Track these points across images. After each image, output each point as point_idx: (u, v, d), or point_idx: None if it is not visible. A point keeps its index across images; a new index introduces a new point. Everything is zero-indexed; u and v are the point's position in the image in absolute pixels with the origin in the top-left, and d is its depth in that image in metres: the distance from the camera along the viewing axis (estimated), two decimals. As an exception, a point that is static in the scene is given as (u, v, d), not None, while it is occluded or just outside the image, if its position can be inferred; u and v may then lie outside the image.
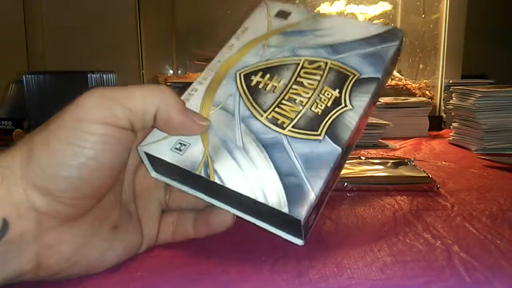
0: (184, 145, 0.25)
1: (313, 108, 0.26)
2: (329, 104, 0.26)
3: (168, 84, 0.85)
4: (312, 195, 0.23)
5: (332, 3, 1.09)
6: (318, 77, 0.27)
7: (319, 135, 0.25)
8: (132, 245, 0.25)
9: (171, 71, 1.22)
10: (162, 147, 0.25)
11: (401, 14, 1.09)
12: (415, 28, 1.06)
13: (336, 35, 0.30)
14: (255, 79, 0.28)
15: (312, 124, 0.25)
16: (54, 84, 0.66)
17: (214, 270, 0.24)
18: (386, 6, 1.07)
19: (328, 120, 0.26)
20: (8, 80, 0.80)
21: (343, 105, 0.26)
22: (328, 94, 0.27)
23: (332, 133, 0.25)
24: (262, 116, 0.26)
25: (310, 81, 0.27)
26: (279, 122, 0.26)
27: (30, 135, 0.21)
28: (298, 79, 0.28)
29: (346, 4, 1.08)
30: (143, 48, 1.03)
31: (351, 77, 0.27)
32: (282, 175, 0.23)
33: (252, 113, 0.26)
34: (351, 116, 0.26)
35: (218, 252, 0.27)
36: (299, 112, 0.26)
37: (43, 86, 0.65)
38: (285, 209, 0.22)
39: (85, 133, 0.20)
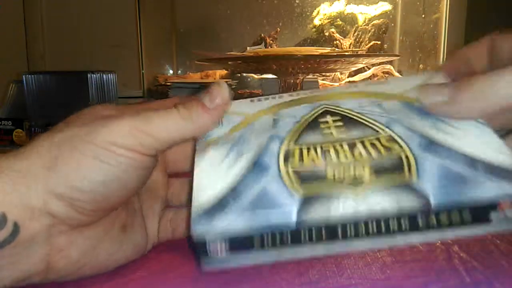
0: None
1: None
2: None
3: (168, 83, 0.85)
4: None
5: (332, 3, 1.09)
6: (372, 155, 0.22)
7: None
8: (139, 244, 0.25)
9: (171, 71, 1.22)
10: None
11: (401, 14, 1.10)
12: (415, 28, 1.06)
13: (456, 139, 0.21)
14: (326, 119, 0.25)
15: None
16: (54, 84, 0.66)
17: (214, 270, 0.24)
18: (386, 6, 1.07)
19: None
20: (8, 80, 0.80)
21: None
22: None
23: None
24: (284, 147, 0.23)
25: (361, 152, 0.22)
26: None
27: (51, 139, 0.21)
28: (358, 145, 0.22)
29: (346, 4, 1.08)
30: (143, 48, 1.03)
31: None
32: None
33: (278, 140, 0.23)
34: None
35: (218, 252, 0.27)
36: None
37: (43, 86, 0.65)
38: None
39: (115, 154, 0.21)
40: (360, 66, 0.81)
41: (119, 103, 0.73)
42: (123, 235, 0.24)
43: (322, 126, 0.24)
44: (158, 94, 1.01)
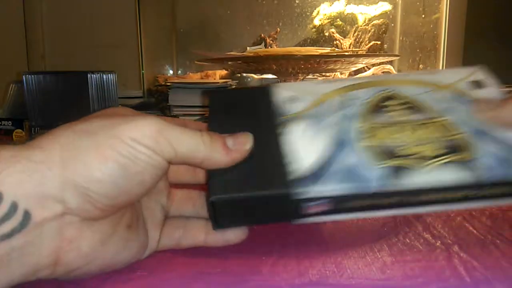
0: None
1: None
2: None
3: (168, 84, 0.85)
4: None
5: (332, 3, 1.09)
6: (435, 135, 0.26)
7: None
8: (142, 245, 0.25)
9: (171, 71, 1.22)
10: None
11: (401, 14, 1.10)
12: (415, 28, 1.06)
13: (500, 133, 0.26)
14: (389, 103, 0.28)
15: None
16: (54, 84, 0.66)
17: (214, 270, 0.24)
18: (386, 6, 1.07)
19: None
20: (8, 80, 0.80)
21: None
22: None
23: None
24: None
25: (425, 132, 0.26)
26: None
27: (72, 131, 0.22)
28: (421, 126, 0.27)
29: (346, 4, 1.08)
30: (143, 48, 1.03)
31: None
32: None
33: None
34: None
35: (218, 252, 0.27)
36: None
37: (43, 86, 0.65)
38: None
39: (137, 151, 0.21)
40: (360, 66, 0.81)
41: (119, 103, 0.73)
42: (129, 234, 0.24)
43: (385, 109, 0.28)
44: (158, 94, 1.01)
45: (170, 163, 0.23)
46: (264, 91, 0.31)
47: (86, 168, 0.20)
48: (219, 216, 0.25)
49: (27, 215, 0.19)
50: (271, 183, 0.24)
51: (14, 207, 0.19)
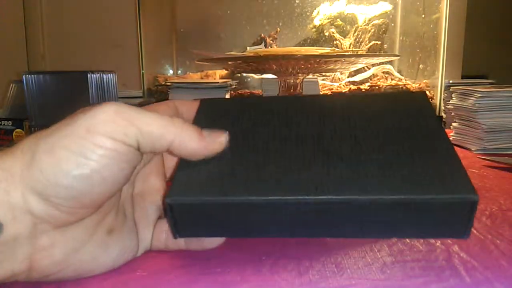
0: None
1: None
2: None
3: (168, 83, 0.85)
4: None
5: (332, 3, 1.09)
6: None
7: None
8: (127, 248, 0.25)
9: (171, 71, 1.22)
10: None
11: (401, 14, 1.09)
12: (415, 28, 1.06)
13: None
14: None
15: None
16: (54, 84, 0.66)
17: (214, 270, 0.24)
18: (386, 6, 1.07)
19: None
20: (8, 80, 0.80)
21: None
22: None
23: None
24: None
25: None
26: None
27: (35, 138, 0.21)
28: None
29: (346, 4, 1.08)
30: (143, 48, 1.03)
31: None
32: None
33: None
34: None
35: (218, 252, 0.27)
36: None
37: (43, 86, 0.65)
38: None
39: (93, 145, 0.20)
40: (360, 66, 0.81)
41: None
42: (109, 239, 0.24)
43: None
44: (158, 94, 1.01)
45: (139, 150, 0.22)
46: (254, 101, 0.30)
47: (42, 173, 0.20)
48: (178, 222, 0.23)
49: (0, 226, 0.20)
50: (240, 188, 0.22)
51: None
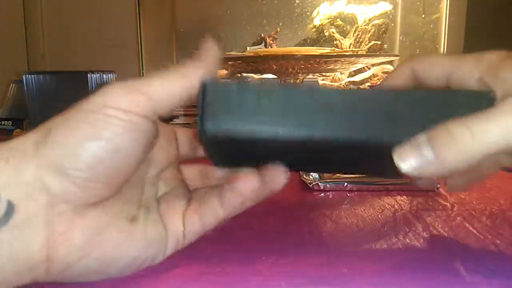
0: None
1: None
2: None
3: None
4: None
5: (332, 3, 1.09)
6: None
7: None
8: (153, 240, 0.23)
9: (171, 71, 1.22)
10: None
11: (401, 14, 1.10)
12: (415, 28, 1.06)
13: None
14: None
15: None
16: (54, 84, 0.66)
17: (214, 270, 0.24)
18: (386, 6, 1.07)
19: None
20: (8, 80, 0.80)
21: None
22: None
23: None
24: None
25: None
26: None
27: (48, 121, 0.21)
28: None
29: (346, 4, 1.08)
30: (143, 48, 1.03)
31: None
32: None
33: None
34: None
35: (218, 252, 0.27)
36: None
37: (43, 86, 0.65)
38: None
39: (107, 116, 0.20)
40: (360, 66, 0.81)
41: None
42: (132, 226, 0.23)
43: None
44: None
45: (155, 121, 0.22)
46: None
47: (57, 146, 0.20)
48: (212, 149, 0.22)
49: (10, 206, 0.19)
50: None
51: None
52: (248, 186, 0.24)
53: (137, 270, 0.23)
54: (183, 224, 0.25)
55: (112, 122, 0.20)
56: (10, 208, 0.19)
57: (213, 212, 0.24)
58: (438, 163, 0.20)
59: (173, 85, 0.22)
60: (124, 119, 0.20)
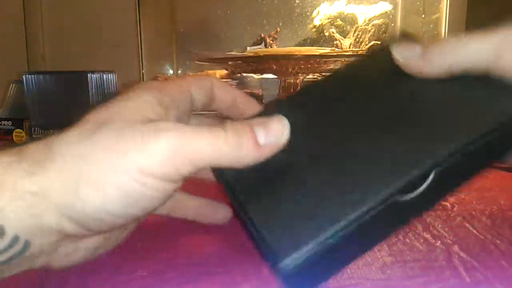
0: None
1: None
2: None
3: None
4: None
5: (332, 3, 1.09)
6: None
7: None
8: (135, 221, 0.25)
9: (171, 71, 1.22)
10: None
11: (401, 14, 1.10)
12: (415, 28, 1.06)
13: None
14: None
15: None
16: (54, 84, 0.66)
17: (214, 270, 0.24)
18: (386, 6, 1.07)
19: None
20: (8, 80, 0.80)
21: None
22: None
23: None
24: None
25: None
26: None
27: (71, 150, 0.19)
28: None
29: (346, 4, 1.08)
30: (143, 48, 1.03)
31: None
32: None
33: None
34: None
35: (218, 252, 0.27)
36: None
37: (43, 86, 0.65)
38: None
39: (145, 187, 0.19)
40: (360, 66, 0.81)
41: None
42: (123, 232, 0.25)
43: None
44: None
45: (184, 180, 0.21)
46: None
47: (84, 207, 0.19)
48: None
49: (27, 244, 0.19)
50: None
51: (15, 240, 0.19)
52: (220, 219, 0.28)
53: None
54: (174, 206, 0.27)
55: (146, 193, 0.19)
56: (27, 246, 0.19)
57: (184, 213, 0.28)
58: (424, 59, 0.23)
59: (217, 154, 0.19)
60: (161, 188, 0.19)
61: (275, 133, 0.20)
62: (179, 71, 1.22)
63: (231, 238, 0.28)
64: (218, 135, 0.19)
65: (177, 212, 0.28)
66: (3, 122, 0.71)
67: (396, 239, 0.29)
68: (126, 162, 0.18)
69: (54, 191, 0.19)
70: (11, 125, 0.71)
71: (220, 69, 1.06)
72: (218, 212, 0.28)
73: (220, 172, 0.22)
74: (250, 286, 0.23)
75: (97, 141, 0.19)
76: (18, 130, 0.70)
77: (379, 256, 0.26)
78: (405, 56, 0.24)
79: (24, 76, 0.65)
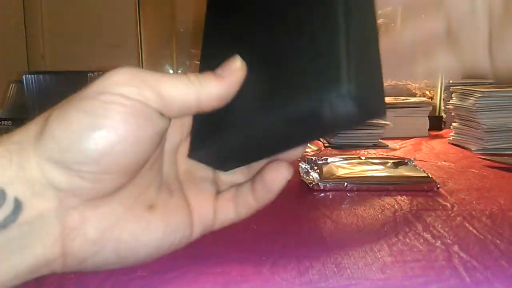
0: None
1: None
2: None
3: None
4: None
5: (332, 3, 1.09)
6: None
7: None
8: (175, 228, 0.22)
9: (171, 71, 1.22)
10: None
11: (401, 14, 1.10)
12: (415, 28, 1.06)
13: None
14: None
15: None
16: (54, 84, 0.66)
17: (214, 270, 0.24)
18: (386, 6, 1.07)
19: None
20: (8, 80, 0.80)
21: None
22: None
23: None
24: None
25: None
26: None
27: (50, 109, 0.20)
28: None
29: (346, 4, 1.08)
30: (143, 48, 1.03)
31: None
32: None
33: None
34: None
35: (218, 252, 0.27)
36: None
37: (43, 86, 0.65)
38: None
39: (105, 103, 0.19)
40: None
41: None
42: (150, 215, 0.22)
43: None
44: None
45: (163, 115, 0.20)
46: None
47: (54, 139, 0.18)
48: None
49: (17, 203, 0.18)
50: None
51: (2, 194, 0.18)
52: (279, 179, 0.23)
53: (162, 255, 0.22)
54: (214, 210, 0.24)
55: (112, 109, 0.19)
56: (18, 205, 0.18)
57: (246, 204, 0.24)
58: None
59: (189, 92, 0.21)
60: (126, 104, 0.19)
61: (230, 64, 0.22)
62: (179, 71, 1.22)
63: (231, 238, 0.28)
64: (179, 75, 0.21)
65: (241, 206, 0.24)
66: (3, 122, 0.71)
67: (396, 239, 0.29)
68: (86, 90, 0.20)
69: (29, 137, 0.19)
70: (11, 125, 0.71)
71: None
72: (272, 171, 0.24)
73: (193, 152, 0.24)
74: (250, 286, 0.23)
75: (69, 98, 0.20)
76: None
77: (379, 256, 0.26)
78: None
79: (24, 76, 0.65)
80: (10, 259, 0.18)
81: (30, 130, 0.19)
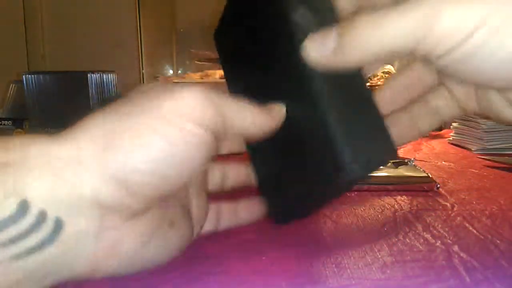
0: None
1: None
2: None
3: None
4: None
5: (332, 3, 1.09)
6: None
7: None
8: (184, 240, 0.23)
9: (171, 71, 1.22)
10: None
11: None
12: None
13: None
14: None
15: None
16: (54, 84, 0.66)
17: (214, 270, 0.24)
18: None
19: None
20: (8, 80, 0.81)
21: None
22: None
23: None
24: None
25: None
26: None
27: (99, 119, 0.19)
28: None
29: (346, 4, 1.08)
30: (143, 48, 1.03)
31: None
32: None
33: None
34: None
35: (218, 252, 0.27)
36: None
37: (43, 86, 0.65)
38: None
39: (181, 129, 0.19)
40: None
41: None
42: (171, 231, 0.22)
43: None
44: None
45: (219, 140, 0.21)
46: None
47: (125, 157, 0.18)
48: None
49: (58, 223, 0.17)
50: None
51: (43, 216, 0.17)
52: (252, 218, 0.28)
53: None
54: (217, 219, 0.27)
55: (185, 137, 0.19)
56: (59, 226, 0.17)
57: (229, 220, 0.27)
58: (340, 52, 0.20)
59: (250, 128, 0.22)
60: (196, 133, 0.19)
61: (276, 109, 0.24)
62: (179, 71, 1.22)
63: (231, 238, 0.28)
64: (245, 103, 0.22)
65: (224, 222, 0.27)
66: (3, 122, 0.71)
67: (396, 239, 0.29)
68: (159, 108, 0.19)
69: (88, 154, 0.18)
70: (11, 125, 0.71)
71: (220, 69, 1.06)
72: (255, 208, 0.28)
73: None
74: (250, 286, 0.23)
75: (127, 105, 0.20)
76: (18, 130, 0.70)
77: (379, 256, 0.26)
78: (320, 54, 0.21)
79: (24, 76, 0.65)
80: (43, 281, 0.18)
81: (85, 142, 0.18)
